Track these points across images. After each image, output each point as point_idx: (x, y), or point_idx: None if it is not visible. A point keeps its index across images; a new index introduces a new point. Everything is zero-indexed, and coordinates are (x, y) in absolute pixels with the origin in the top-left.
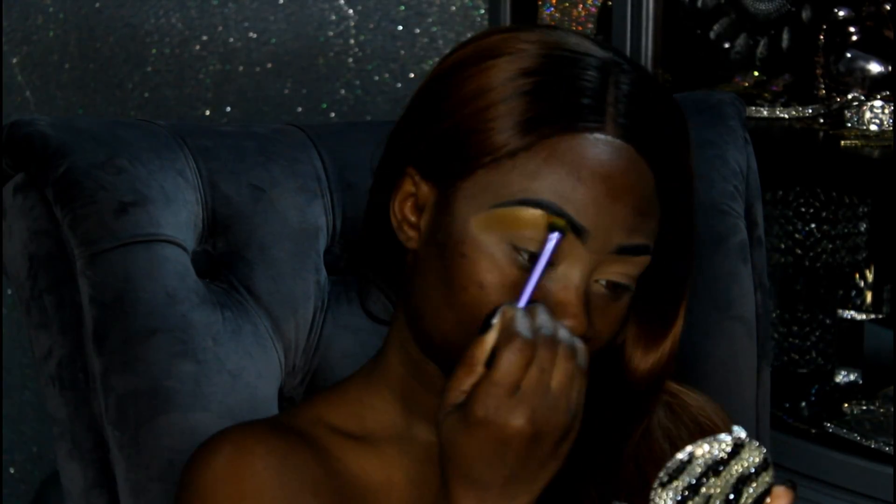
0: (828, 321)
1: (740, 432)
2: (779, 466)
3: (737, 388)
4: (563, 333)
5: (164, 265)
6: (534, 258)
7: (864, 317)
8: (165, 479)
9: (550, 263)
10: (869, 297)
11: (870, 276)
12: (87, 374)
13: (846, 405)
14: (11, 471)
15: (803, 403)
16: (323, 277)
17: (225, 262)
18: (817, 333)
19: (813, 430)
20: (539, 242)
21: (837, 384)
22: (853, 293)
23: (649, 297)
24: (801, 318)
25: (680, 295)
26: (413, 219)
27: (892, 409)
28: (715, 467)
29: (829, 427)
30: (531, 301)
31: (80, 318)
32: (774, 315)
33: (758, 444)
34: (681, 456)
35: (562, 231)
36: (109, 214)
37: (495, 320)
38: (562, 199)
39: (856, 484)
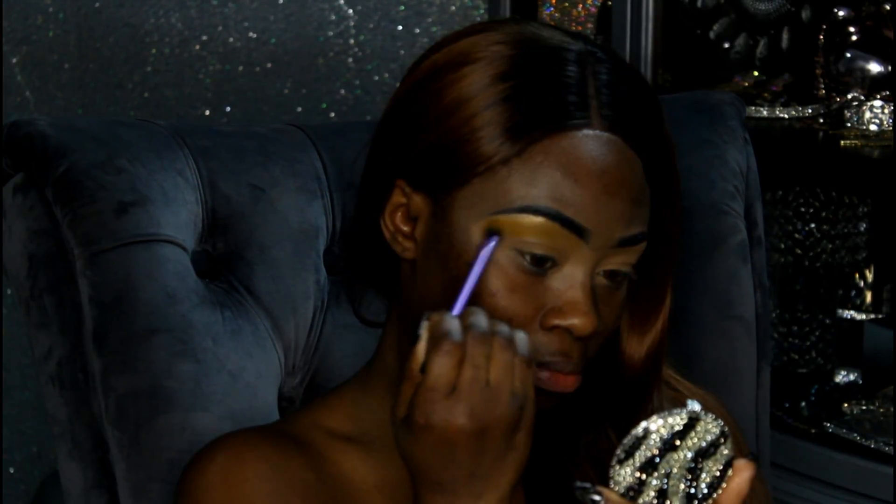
0: (828, 321)
1: (694, 405)
2: (779, 466)
3: (737, 388)
4: (500, 328)
5: (163, 265)
6: (536, 260)
7: (864, 317)
8: (165, 479)
9: (556, 264)
10: (869, 297)
11: (870, 276)
12: (87, 374)
13: (846, 405)
14: (11, 471)
15: (803, 403)
16: (323, 277)
17: (225, 262)
18: (817, 333)
19: (813, 430)
20: (542, 246)
21: (837, 384)
22: (853, 293)
23: (639, 281)
24: (801, 318)
25: (666, 272)
26: (406, 229)
27: (892, 409)
28: (671, 441)
29: (829, 427)
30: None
31: (80, 318)
32: (774, 315)
33: (714, 416)
34: (636, 431)
35: (498, 234)
36: (109, 214)
37: (422, 330)
38: (561, 202)
39: (856, 484)
